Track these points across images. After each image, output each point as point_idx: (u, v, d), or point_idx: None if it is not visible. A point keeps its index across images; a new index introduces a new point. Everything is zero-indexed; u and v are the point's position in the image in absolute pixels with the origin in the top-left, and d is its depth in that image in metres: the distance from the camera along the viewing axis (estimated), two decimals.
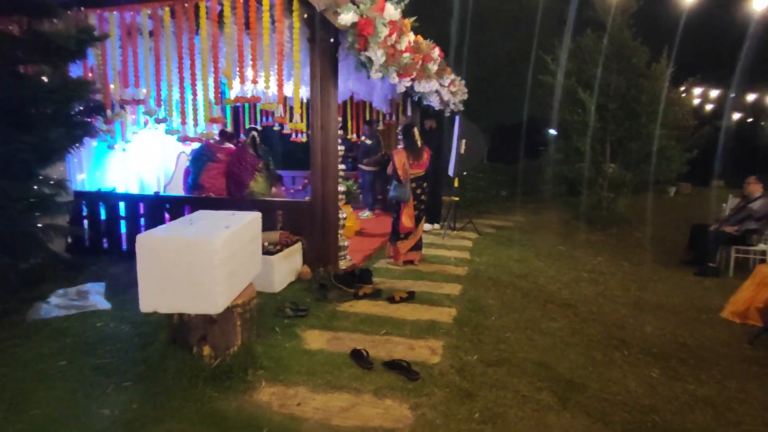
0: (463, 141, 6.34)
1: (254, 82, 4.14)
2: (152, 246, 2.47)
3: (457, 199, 6.86)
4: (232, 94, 4.78)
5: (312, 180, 4.47)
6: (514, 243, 6.56)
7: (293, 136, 8.65)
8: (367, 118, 8.38)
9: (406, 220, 5.06)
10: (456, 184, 6.82)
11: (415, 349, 3.08)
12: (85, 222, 5.42)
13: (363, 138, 8.31)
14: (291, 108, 8.34)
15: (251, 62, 4.15)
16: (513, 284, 4.66)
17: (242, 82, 4.23)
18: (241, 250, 2.79)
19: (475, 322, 3.61)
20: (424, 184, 5.17)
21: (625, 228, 7.90)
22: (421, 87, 5.03)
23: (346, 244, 4.91)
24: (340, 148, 4.78)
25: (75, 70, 4.70)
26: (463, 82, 7.61)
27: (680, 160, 8.74)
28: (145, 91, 4.73)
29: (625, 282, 5.00)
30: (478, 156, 6.70)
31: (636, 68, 7.81)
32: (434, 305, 3.93)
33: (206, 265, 2.45)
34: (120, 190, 6.38)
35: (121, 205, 5.25)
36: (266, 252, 4.19)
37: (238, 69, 4.18)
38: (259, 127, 5.51)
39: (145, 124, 5.61)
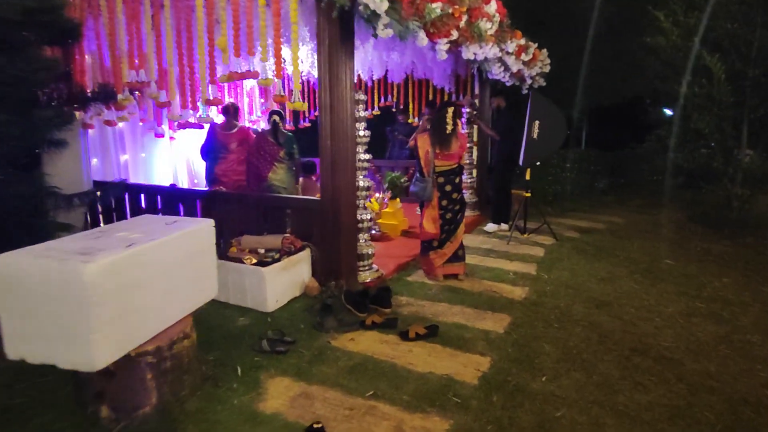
0: (536, 123, 5.02)
1: (250, 53, 3.36)
2: (11, 273, 1.78)
3: (528, 194, 5.55)
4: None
5: (321, 173, 3.61)
6: (602, 253, 5.10)
7: None
8: (430, 98, 7.30)
9: (428, 224, 3.98)
10: (528, 176, 5.50)
11: None
12: (114, 214, 5.21)
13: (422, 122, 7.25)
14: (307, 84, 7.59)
15: (247, 30, 3.37)
16: (587, 318, 3.38)
17: (237, 54, 3.48)
18: (155, 277, 2.02)
19: (513, 384, 2.48)
20: (457, 180, 4.03)
21: (766, 237, 5.91)
22: (471, 53, 3.87)
23: (370, 251, 3.99)
24: (364, 133, 3.85)
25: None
26: (545, 51, 6.19)
27: None
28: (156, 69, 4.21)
29: (766, 321, 3.44)
30: (555, 142, 5.31)
31: None
32: (461, 349, 2.85)
33: (76, 304, 1.70)
34: (170, 180, 6.20)
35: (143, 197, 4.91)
36: (259, 262, 3.43)
37: (233, 38, 3.45)
38: (280, 111, 4.75)
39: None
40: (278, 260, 3.47)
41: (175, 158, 6.37)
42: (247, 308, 3.45)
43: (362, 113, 3.86)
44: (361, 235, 3.98)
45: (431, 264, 4.07)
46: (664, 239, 5.82)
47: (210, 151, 4.85)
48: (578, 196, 7.81)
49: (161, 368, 2.05)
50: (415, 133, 4.08)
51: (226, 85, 6.21)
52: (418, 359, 2.71)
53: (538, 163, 5.29)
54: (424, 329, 2.95)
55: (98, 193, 4.30)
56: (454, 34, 3.45)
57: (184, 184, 6.41)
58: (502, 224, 6.01)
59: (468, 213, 6.64)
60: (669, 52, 6.55)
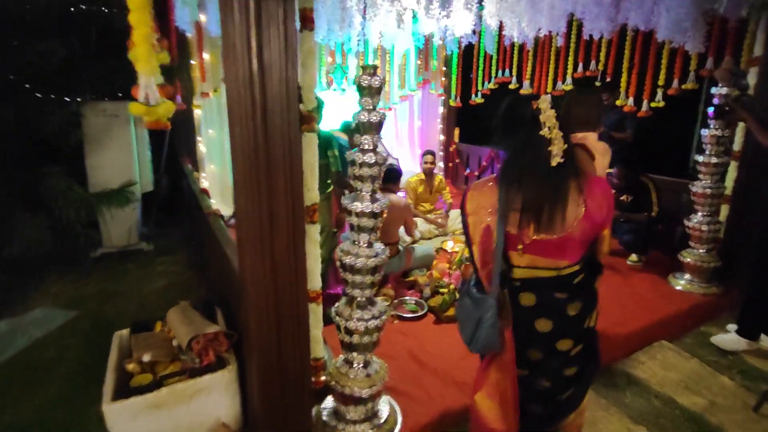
0: None
1: None
2: None
3: None
4: None
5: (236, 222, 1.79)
6: None
7: None
8: (662, 63, 4.17)
9: (486, 403, 1.48)
10: None
11: None
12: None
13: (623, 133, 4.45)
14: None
15: None
16: None
17: None
18: None
19: None
20: (576, 308, 1.36)
21: None
22: None
23: (367, 391, 1.99)
24: (367, 158, 1.81)
25: None
26: None
27: None
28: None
29: None
30: None
31: None
32: None
33: None
34: None
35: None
36: (121, 386, 1.94)
37: None
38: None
39: None
40: (156, 386, 1.90)
41: None
42: None
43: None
44: (356, 356, 2.02)
45: None
46: None
47: None
48: None
49: None
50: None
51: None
52: None
53: None
54: None
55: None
56: None
57: None
58: (764, 339, 2.84)
59: (696, 287, 3.48)
60: None
